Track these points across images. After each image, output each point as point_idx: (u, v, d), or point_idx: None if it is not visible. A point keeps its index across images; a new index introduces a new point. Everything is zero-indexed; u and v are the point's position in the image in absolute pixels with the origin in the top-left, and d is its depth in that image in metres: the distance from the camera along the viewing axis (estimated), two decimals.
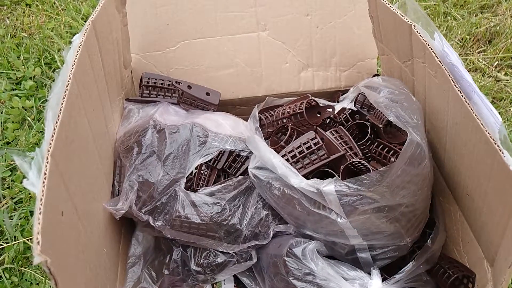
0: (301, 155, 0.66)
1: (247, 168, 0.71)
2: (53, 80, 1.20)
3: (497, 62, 1.31)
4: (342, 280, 0.60)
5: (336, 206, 0.58)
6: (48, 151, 0.46)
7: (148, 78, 0.85)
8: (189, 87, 0.86)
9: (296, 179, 0.61)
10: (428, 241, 0.65)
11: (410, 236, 0.64)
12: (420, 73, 0.68)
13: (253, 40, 0.92)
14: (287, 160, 0.65)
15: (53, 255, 0.40)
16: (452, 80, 0.58)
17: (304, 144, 0.66)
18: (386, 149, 0.67)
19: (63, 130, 0.50)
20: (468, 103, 0.55)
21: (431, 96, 0.67)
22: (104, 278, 0.63)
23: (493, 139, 0.50)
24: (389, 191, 0.57)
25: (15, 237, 0.92)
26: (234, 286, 0.75)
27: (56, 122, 0.49)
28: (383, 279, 0.62)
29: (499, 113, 1.17)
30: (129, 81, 0.89)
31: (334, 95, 0.94)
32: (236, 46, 0.92)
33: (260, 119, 0.77)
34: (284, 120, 0.76)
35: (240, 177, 0.72)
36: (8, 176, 1.02)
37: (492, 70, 1.29)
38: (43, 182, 0.43)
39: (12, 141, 1.10)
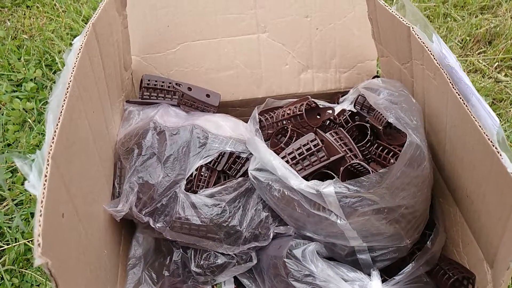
0: (301, 157, 0.66)
1: (247, 169, 0.71)
2: (54, 82, 1.21)
3: (497, 63, 1.31)
4: (342, 282, 0.60)
5: (336, 207, 0.58)
6: (49, 153, 0.46)
7: (149, 80, 0.85)
8: (189, 89, 0.86)
9: (296, 181, 0.61)
10: (428, 242, 0.65)
11: (410, 238, 0.64)
12: (419, 75, 0.69)
13: (253, 42, 0.93)
14: (287, 161, 0.65)
15: (54, 257, 0.40)
16: (450, 82, 0.58)
17: (304, 145, 0.66)
18: (386, 150, 0.67)
19: (63, 132, 0.50)
20: (466, 105, 0.55)
21: (430, 98, 0.67)
22: (105, 280, 0.63)
23: (491, 141, 0.50)
24: (388, 192, 0.57)
25: (15, 238, 0.92)
26: (234, 287, 0.76)
27: (57, 125, 0.49)
28: (383, 281, 0.62)
29: (499, 114, 1.18)
30: (129, 83, 0.89)
31: (334, 96, 0.95)
32: (236, 48, 0.93)
33: (260, 121, 0.77)
34: (284, 122, 0.76)
35: (240, 179, 0.72)
36: (9, 178, 1.03)
37: (492, 71, 1.29)
38: (44, 184, 0.43)
39: (13, 143, 1.11)
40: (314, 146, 0.66)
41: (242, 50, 0.93)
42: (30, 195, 0.99)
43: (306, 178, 0.63)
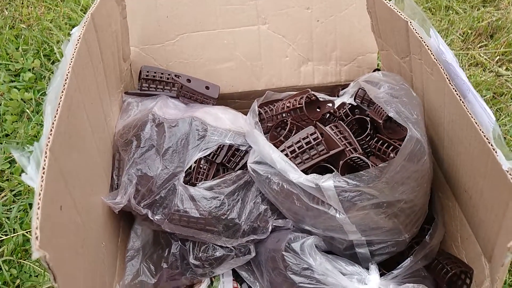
0: (300, 150, 0.65)
1: (246, 162, 0.71)
2: (52, 73, 1.20)
3: (498, 57, 1.30)
4: (340, 275, 0.60)
5: (335, 201, 0.58)
6: (47, 145, 0.45)
7: (147, 71, 0.85)
8: (189, 80, 0.85)
9: (295, 174, 0.61)
10: (427, 237, 0.65)
11: (409, 232, 0.64)
12: (418, 69, 0.68)
13: (253, 34, 0.92)
14: (286, 155, 0.65)
15: (52, 250, 0.40)
16: (447, 78, 0.58)
17: (304, 139, 0.66)
18: (386, 144, 0.67)
19: (61, 124, 0.49)
20: (462, 102, 0.55)
21: (429, 92, 0.67)
22: (103, 271, 0.63)
23: (486, 138, 0.50)
24: (388, 187, 0.57)
25: (14, 229, 0.92)
26: (233, 280, 0.76)
27: (55, 116, 0.49)
28: (381, 274, 0.62)
29: (499, 108, 1.18)
30: (128, 74, 0.88)
31: (334, 89, 0.94)
32: (236, 40, 0.92)
33: (260, 114, 0.76)
34: (284, 115, 0.75)
35: (239, 172, 0.72)
36: (7, 168, 1.02)
37: (493, 65, 1.28)
38: (42, 177, 0.43)
39: (11, 133, 1.10)
40: (314, 139, 0.65)
41: (242, 42, 0.92)
42: (29, 186, 0.99)
43: (306, 171, 0.63)
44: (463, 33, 1.36)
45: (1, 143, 1.07)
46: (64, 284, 0.43)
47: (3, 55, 1.25)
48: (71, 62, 0.55)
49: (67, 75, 0.54)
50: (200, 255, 0.71)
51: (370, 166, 0.61)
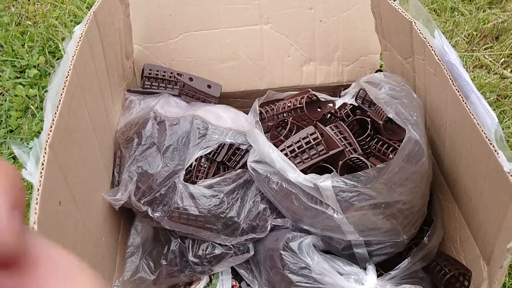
0: (300, 150, 0.66)
1: (246, 161, 0.71)
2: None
3: (503, 59, 1.29)
4: (337, 275, 0.60)
5: (333, 201, 0.58)
6: (46, 141, 0.46)
7: (150, 70, 0.85)
8: (191, 79, 0.86)
9: (294, 174, 0.61)
10: (425, 238, 0.65)
11: (407, 233, 0.64)
12: (421, 70, 0.68)
13: (255, 33, 0.92)
14: (286, 154, 0.65)
15: None
16: (450, 78, 0.57)
17: (304, 139, 0.66)
18: (386, 145, 0.67)
19: (62, 120, 0.50)
20: (465, 103, 0.55)
21: (431, 93, 0.67)
22: (102, 267, 0.64)
23: (488, 140, 0.50)
24: (386, 188, 0.57)
25: None
26: (232, 278, 0.76)
27: (55, 113, 0.49)
28: (379, 275, 0.62)
29: (503, 111, 1.17)
30: (130, 72, 0.89)
31: (336, 89, 0.94)
32: (239, 39, 0.92)
33: (261, 113, 0.77)
34: (285, 114, 0.76)
35: (239, 170, 0.72)
36: (11, 164, 1.03)
37: (498, 67, 1.28)
38: (41, 172, 0.43)
39: (15, 129, 1.11)
40: (314, 139, 0.66)
41: (245, 41, 0.92)
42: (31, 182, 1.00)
43: (305, 171, 0.63)
44: (468, 35, 1.35)
45: (6, 139, 1.08)
46: None
47: (9, 52, 1.26)
48: (73, 59, 0.56)
49: (68, 72, 0.54)
50: (199, 252, 0.72)
51: (369, 166, 0.61)
